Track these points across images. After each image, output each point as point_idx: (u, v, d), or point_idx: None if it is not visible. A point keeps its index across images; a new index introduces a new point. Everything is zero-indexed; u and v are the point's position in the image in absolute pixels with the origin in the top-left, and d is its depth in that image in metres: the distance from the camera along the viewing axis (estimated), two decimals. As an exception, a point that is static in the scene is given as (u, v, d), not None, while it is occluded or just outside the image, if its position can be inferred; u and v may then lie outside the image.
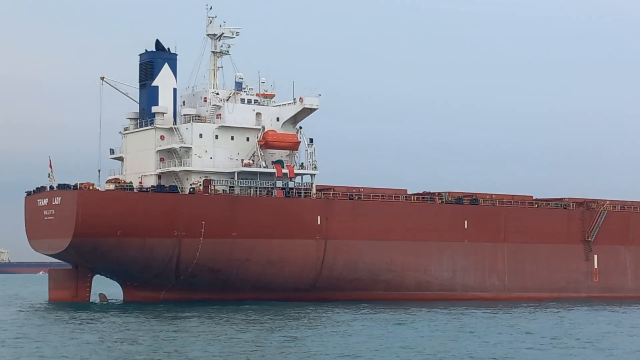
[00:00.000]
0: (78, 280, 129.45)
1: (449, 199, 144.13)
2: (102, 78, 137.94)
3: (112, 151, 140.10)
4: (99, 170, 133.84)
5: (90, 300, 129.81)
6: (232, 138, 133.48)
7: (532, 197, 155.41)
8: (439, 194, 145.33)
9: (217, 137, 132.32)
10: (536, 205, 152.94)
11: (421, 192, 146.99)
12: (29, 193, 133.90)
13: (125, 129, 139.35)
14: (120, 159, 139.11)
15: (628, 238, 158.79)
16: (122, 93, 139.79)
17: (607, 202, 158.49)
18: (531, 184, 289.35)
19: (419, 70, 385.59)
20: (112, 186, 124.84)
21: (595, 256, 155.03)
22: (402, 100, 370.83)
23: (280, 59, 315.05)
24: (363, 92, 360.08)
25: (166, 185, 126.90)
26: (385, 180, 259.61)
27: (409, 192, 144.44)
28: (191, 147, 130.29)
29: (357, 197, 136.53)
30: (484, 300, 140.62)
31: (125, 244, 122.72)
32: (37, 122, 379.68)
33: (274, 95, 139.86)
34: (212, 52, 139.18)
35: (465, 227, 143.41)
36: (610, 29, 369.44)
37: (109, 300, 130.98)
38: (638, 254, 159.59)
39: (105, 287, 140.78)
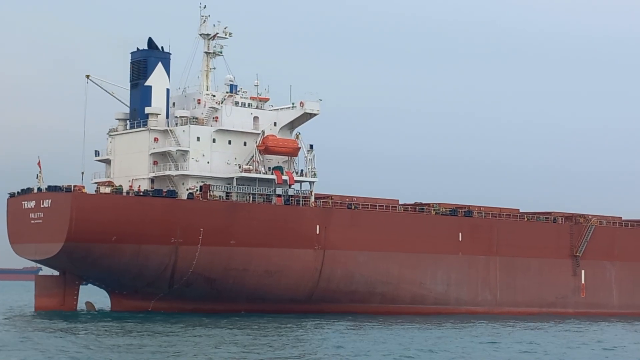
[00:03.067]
0: (65, 288, 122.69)
1: (444, 210, 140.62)
2: (88, 76, 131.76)
3: (97, 153, 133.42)
4: (82, 173, 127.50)
5: (78, 309, 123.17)
6: (230, 142, 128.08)
7: (518, 210, 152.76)
8: (431, 204, 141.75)
9: (214, 140, 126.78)
10: (525, 219, 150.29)
11: (412, 202, 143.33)
12: (12, 195, 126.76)
13: (112, 130, 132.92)
14: (107, 161, 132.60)
15: (613, 253, 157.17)
16: (108, 92, 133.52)
17: (595, 217, 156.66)
18: (514, 195, 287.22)
19: (417, 80, 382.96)
20: (107, 189, 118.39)
21: (583, 271, 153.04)
22: (394, 110, 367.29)
23: (274, 62, 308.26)
24: (356, 99, 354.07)
25: (164, 190, 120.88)
26: (373, 188, 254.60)
27: (400, 202, 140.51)
28: (188, 151, 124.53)
29: (354, 207, 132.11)
30: (476, 314, 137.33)
31: (120, 250, 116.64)
32: (12, 122, 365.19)
33: (268, 99, 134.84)
34: (205, 52, 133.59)
35: (460, 239, 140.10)
36: (603, 48, 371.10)
37: (97, 310, 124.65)
38: (622, 270, 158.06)
39: (92, 295, 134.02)
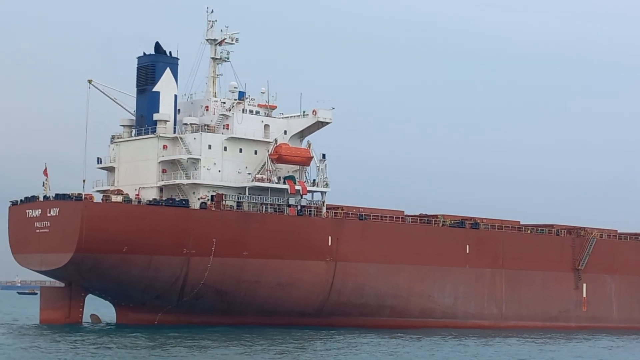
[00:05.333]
0: (71, 300, 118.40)
1: (451, 222, 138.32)
2: (90, 81, 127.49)
3: (99, 160, 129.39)
4: (84, 181, 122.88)
5: (83, 322, 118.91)
6: (241, 150, 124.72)
7: (519, 222, 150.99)
8: (437, 216, 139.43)
9: (225, 148, 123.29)
10: (529, 231, 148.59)
11: (417, 213, 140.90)
12: (14, 203, 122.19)
13: (116, 137, 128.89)
14: (110, 168, 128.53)
15: (613, 267, 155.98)
16: (110, 98, 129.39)
17: (596, 230, 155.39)
18: (510, 206, 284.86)
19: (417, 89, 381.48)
20: (119, 198, 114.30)
21: (584, 285, 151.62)
22: (395, 120, 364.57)
23: (279, 69, 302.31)
24: (357, 107, 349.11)
25: (177, 199, 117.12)
26: (372, 198, 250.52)
27: (405, 213, 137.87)
28: (200, 159, 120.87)
29: (364, 218, 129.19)
30: (482, 328, 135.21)
31: (130, 261, 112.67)
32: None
33: (276, 107, 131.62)
34: (212, 58, 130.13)
35: (467, 252, 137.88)
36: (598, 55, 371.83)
37: (102, 323, 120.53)
38: (622, 283, 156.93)
39: (96, 307, 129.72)
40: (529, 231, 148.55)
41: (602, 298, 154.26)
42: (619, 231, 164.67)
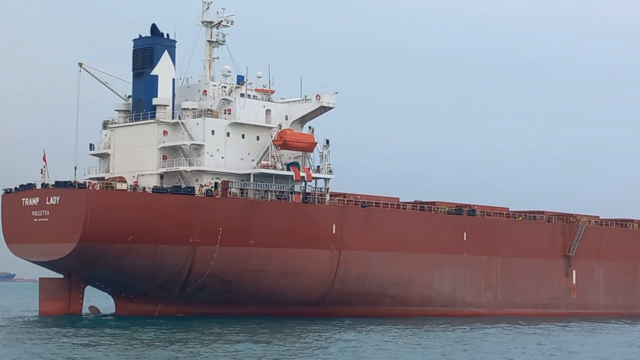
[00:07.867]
0: (71, 291, 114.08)
1: (449, 209, 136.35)
2: (81, 64, 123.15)
3: (92, 146, 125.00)
4: (75, 168, 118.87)
5: (83, 314, 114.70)
6: (243, 136, 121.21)
7: (507, 208, 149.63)
8: (433, 203, 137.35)
9: (228, 134, 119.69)
10: (520, 218, 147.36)
11: (412, 200, 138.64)
12: (8, 191, 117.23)
13: (110, 122, 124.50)
14: (102, 155, 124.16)
15: (600, 253, 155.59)
16: (102, 82, 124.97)
17: (585, 217, 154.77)
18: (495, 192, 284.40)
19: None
20: (124, 186, 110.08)
21: (574, 271, 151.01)
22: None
23: (277, 52, 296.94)
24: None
25: (182, 186, 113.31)
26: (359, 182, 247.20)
27: (400, 201, 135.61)
28: (203, 145, 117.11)
29: (367, 205, 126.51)
30: (479, 316, 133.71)
31: (135, 251, 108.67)
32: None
33: (274, 92, 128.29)
34: (208, 41, 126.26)
35: (465, 239, 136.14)
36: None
37: (102, 314, 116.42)
38: (609, 270, 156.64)
39: (94, 298, 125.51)
40: (520, 218, 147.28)
41: (590, 285, 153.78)
42: (601, 217, 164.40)
